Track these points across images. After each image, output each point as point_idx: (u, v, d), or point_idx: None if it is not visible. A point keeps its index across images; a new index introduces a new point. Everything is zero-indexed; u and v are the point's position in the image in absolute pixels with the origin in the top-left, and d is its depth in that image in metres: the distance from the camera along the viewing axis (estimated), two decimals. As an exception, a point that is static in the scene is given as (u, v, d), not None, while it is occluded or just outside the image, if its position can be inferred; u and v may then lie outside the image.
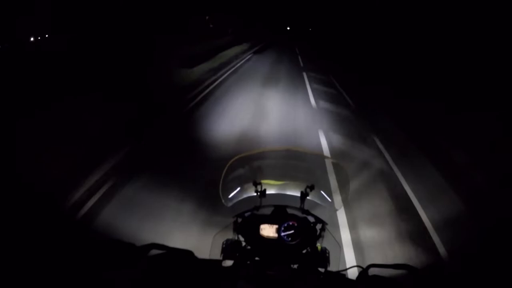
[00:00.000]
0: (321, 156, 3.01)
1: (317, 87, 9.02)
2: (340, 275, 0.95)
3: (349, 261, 2.38)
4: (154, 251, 0.85)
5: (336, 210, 1.39)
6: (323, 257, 1.09)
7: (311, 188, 1.27)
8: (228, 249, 1.10)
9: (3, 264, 1.36)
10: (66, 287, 0.65)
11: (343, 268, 1.00)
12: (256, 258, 1.09)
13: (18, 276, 1.19)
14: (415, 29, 12.54)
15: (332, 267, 1.06)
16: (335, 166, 1.90)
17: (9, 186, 2.63)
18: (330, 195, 1.38)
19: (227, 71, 11.25)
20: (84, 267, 0.66)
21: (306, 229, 1.16)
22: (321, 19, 37.54)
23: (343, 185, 1.43)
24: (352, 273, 1.02)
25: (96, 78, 7.59)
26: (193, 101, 6.91)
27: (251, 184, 1.29)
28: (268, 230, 1.15)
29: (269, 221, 1.16)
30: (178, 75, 9.34)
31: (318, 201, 1.35)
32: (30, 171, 3.08)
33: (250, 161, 1.45)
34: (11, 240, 1.67)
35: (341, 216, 2.87)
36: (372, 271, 0.87)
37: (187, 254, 0.89)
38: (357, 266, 0.97)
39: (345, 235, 2.68)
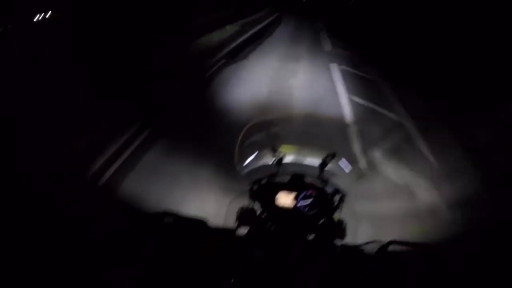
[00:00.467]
0: (342, 122, 2.78)
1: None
2: (357, 250, 0.90)
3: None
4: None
5: (357, 179, 1.32)
6: (340, 229, 1.05)
7: (332, 156, 1.19)
8: (243, 216, 1.08)
9: (3, 264, 1.39)
10: (66, 287, 0.65)
11: (361, 242, 0.95)
12: (272, 227, 1.07)
13: (18, 276, 1.22)
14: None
15: (349, 240, 1.02)
16: (357, 132, 1.77)
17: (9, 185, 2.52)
18: (351, 163, 1.29)
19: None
20: (84, 267, 0.66)
21: (324, 199, 1.10)
22: None
23: (365, 153, 1.33)
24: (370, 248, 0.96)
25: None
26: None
27: (267, 151, 1.23)
28: (285, 199, 1.11)
29: (287, 189, 1.12)
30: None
31: (339, 170, 1.28)
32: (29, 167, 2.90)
33: (267, 127, 1.39)
34: (10, 239, 1.67)
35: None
36: (391, 248, 0.81)
37: (200, 222, 0.87)
38: (376, 241, 0.92)
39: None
